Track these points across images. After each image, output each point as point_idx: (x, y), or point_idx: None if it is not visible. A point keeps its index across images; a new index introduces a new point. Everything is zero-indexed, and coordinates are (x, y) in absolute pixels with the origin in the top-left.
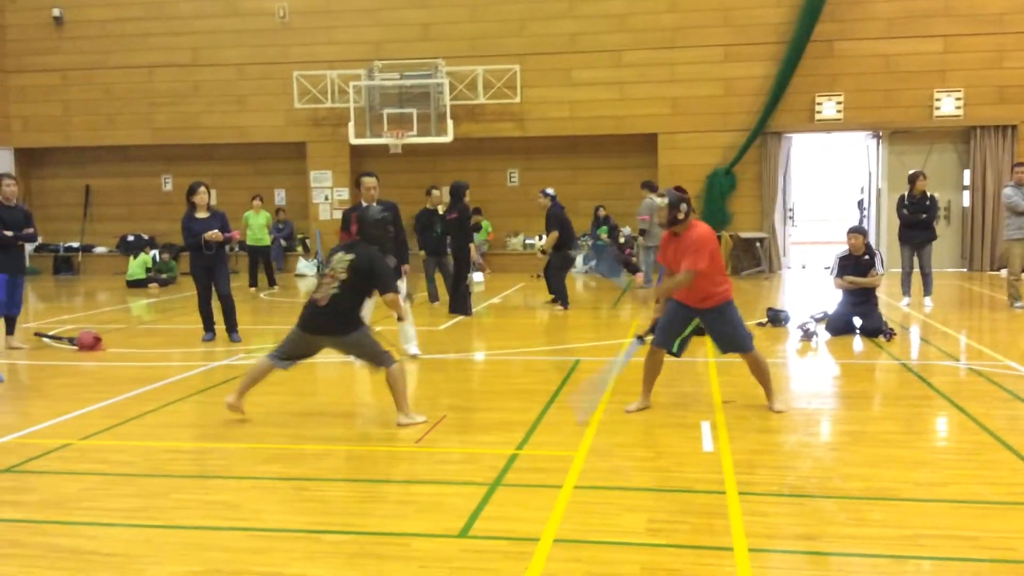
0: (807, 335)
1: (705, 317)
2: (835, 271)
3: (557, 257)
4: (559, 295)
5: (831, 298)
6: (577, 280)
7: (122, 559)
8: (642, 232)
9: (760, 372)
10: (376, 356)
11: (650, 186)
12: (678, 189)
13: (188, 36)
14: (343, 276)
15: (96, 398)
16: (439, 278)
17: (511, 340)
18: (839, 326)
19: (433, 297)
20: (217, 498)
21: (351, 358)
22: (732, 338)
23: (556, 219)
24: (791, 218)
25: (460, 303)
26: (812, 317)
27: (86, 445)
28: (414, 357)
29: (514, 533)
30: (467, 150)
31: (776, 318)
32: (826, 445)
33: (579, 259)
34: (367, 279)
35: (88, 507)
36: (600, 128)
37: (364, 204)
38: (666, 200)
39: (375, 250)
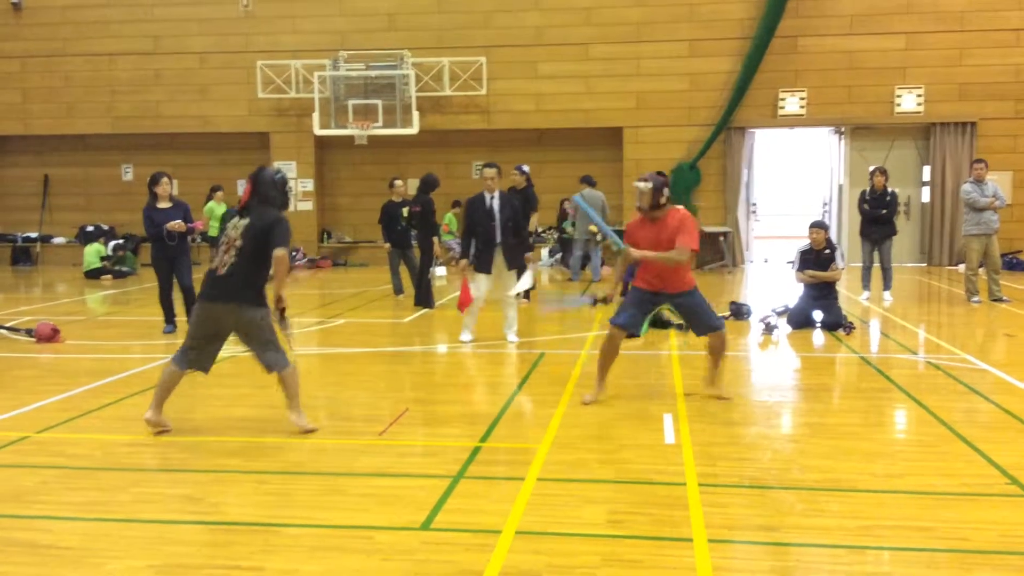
0: (768, 328)
1: (676, 301)
2: (796, 265)
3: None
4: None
5: (792, 292)
6: (543, 273)
7: (80, 553)
8: (572, 224)
9: (719, 351)
10: (270, 351)
11: (588, 180)
12: (659, 174)
13: (150, 24)
14: (238, 243)
15: (54, 391)
16: (404, 271)
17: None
18: (800, 320)
19: (398, 290)
20: (177, 491)
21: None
22: (708, 317)
23: (533, 200)
24: (754, 213)
25: (423, 296)
26: (773, 311)
27: (43, 438)
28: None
29: (476, 525)
30: (432, 142)
31: (738, 312)
32: (786, 437)
33: (544, 252)
34: (264, 239)
35: (45, 501)
36: (565, 121)
37: (484, 194)
38: (650, 184)
39: (273, 209)
